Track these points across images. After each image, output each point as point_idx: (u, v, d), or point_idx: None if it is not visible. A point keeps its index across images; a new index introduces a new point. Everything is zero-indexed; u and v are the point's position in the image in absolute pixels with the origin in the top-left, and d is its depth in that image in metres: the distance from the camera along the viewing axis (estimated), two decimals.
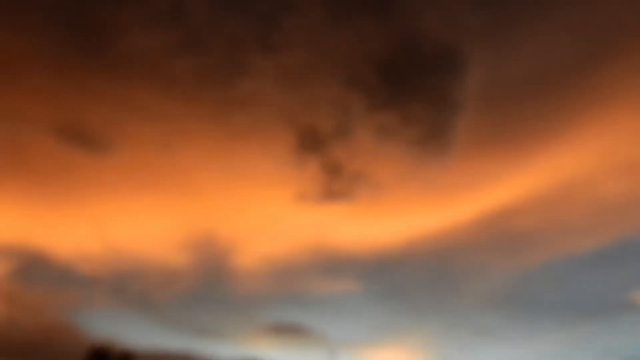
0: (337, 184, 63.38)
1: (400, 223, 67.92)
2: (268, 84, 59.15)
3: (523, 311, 61.35)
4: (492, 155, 63.28)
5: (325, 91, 59.53)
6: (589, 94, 56.36)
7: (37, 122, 58.87)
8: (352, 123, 61.22)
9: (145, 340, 72.30)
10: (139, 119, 60.88)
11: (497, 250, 68.76)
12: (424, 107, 60.72)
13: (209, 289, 73.14)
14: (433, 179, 64.48)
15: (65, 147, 60.10)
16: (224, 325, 73.59)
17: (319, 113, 61.49)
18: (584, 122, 57.65)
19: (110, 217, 65.22)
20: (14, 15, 54.66)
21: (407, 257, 71.01)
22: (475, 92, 58.33)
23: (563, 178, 60.07)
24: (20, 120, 58.45)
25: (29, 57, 57.03)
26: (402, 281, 74.66)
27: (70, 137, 59.66)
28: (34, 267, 66.37)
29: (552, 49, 56.63)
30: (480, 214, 64.09)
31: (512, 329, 41.38)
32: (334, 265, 73.16)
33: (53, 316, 65.58)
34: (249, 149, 62.90)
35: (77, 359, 36.29)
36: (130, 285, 69.69)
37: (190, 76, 58.54)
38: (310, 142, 61.71)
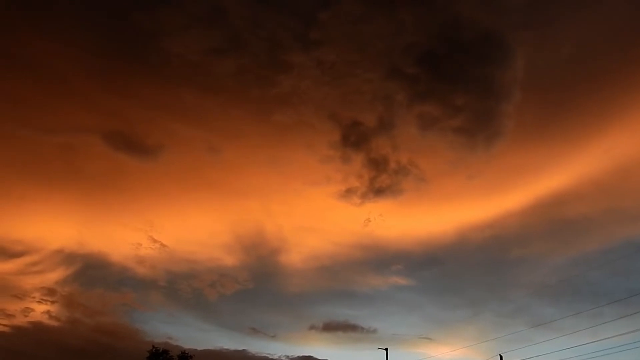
0: (382, 178, 62.78)
1: (448, 214, 66.73)
2: (309, 80, 59.10)
3: (582, 300, 59.36)
4: (542, 142, 61.30)
5: (366, 85, 59.01)
6: None
7: (85, 129, 60.79)
8: (395, 115, 60.47)
9: (201, 340, 74.08)
10: (184, 121, 62.01)
11: (551, 238, 66.60)
12: (468, 96, 59.41)
13: (260, 287, 74.09)
14: (481, 168, 63.02)
15: (115, 153, 61.83)
16: (276, 323, 74.39)
17: (361, 107, 61.03)
18: (636, 104, 55.08)
19: (162, 220, 66.84)
20: (60, 25, 56.50)
21: (458, 249, 69.80)
22: (520, 78, 56.60)
23: (617, 162, 57.54)
24: (70, 128, 60.50)
25: (74, 65, 58.89)
26: (454, 274, 73.48)
27: (119, 142, 61.33)
28: (93, 270, 68.88)
29: (598, 27, 54.32)
30: (532, 202, 62.21)
31: (571, 320, 39.78)
32: (383, 260, 72.71)
33: (112, 318, 67.92)
34: (294, 146, 63.09)
35: (136, 359, 37.33)
36: (184, 286, 71.42)
37: (233, 77, 59.09)
38: (354, 137, 61.31)
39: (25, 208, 61.75)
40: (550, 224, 64.68)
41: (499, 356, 36.10)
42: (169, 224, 67.44)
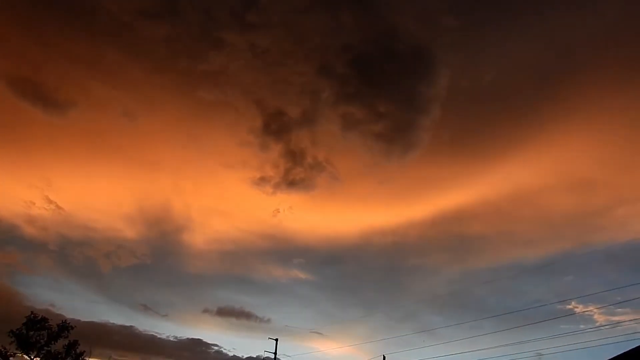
0: (297, 171, 63.15)
1: (356, 216, 68.47)
2: (239, 62, 58.03)
3: (466, 312, 63.28)
4: (452, 158, 64.44)
5: (296, 76, 58.91)
6: (551, 106, 58.01)
7: None
8: (320, 112, 60.94)
9: (86, 311, 70.64)
10: (101, 80, 58.55)
11: (447, 251, 70.46)
12: (392, 104, 61.13)
13: (157, 264, 71.90)
14: (393, 176, 65.19)
15: (19, 101, 57.17)
16: (169, 303, 72.62)
17: (287, 97, 60.86)
18: (542, 136, 59.33)
19: (61, 180, 62.83)
20: None
21: (360, 250, 71.87)
22: (442, 96, 59.08)
23: (515, 188, 61.89)
24: None
25: None
26: (353, 274, 75.59)
27: (26, 90, 56.74)
28: None
29: (520, 56, 57.76)
30: (435, 215, 65.34)
31: (454, 329, 42.47)
32: (287, 252, 73.28)
33: None
34: (214, 126, 61.75)
35: (13, 324, 34.87)
36: (77, 253, 67.71)
37: (162, 43, 56.64)
38: (276, 126, 61.10)
39: None
40: (448, 237, 68.41)
41: (382, 357, 37.62)
42: (68, 186, 63.61)
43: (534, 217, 64.00)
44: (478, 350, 35.30)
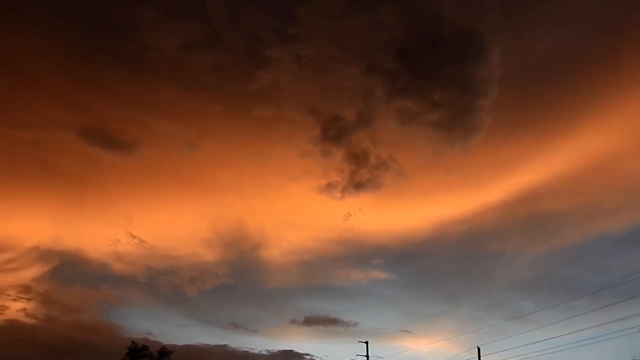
0: (362, 172, 63.10)
1: (427, 209, 67.41)
2: (288, 75, 58.98)
3: (556, 294, 60.49)
4: (518, 137, 62.26)
5: (345, 80, 59.12)
6: (612, 71, 54.99)
7: (59, 124, 59.73)
8: (374, 110, 60.75)
9: (181, 335, 73.54)
10: (160, 117, 61.36)
11: (527, 233, 67.77)
12: (446, 92, 59.94)
13: (240, 282, 73.89)
14: (458, 163, 63.73)
15: (90, 148, 60.89)
16: (257, 318, 74.28)
17: (340, 102, 61.16)
18: (608, 101, 56.19)
19: (140, 216, 66.14)
20: (32, 20, 55.39)
21: (436, 243, 70.55)
22: (497, 75, 57.34)
23: (590, 158, 58.75)
24: (43, 123, 59.40)
25: (47, 60, 57.78)
26: (432, 268, 74.29)
27: (94, 138, 60.40)
28: (70, 267, 67.82)
29: (572, 25, 55.39)
30: (508, 197, 63.19)
31: (546, 312, 40.66)
32: (363, 254, 73.10)
33: (90, 315, 67.05)
34: (273, 141, 62.94)
35: (116, 356, 36.95)
36: (164, 282, 70.84)
37: (210, 72, 58.64)
38: (334, 132, 61.44)
39: None
40: (526, 218, 65.88)
41: (476, 348, 36.66)
42: (147, 220, 66.81)
43: (614, 186, 60.51)
44: (575, 332, 33.73)
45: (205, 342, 61.76)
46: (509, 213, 65.27)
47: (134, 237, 64.39)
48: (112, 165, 63.02)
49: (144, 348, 35.79)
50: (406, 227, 68.13)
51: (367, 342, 43.71)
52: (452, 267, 72.60)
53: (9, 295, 60.48)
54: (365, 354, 43.32)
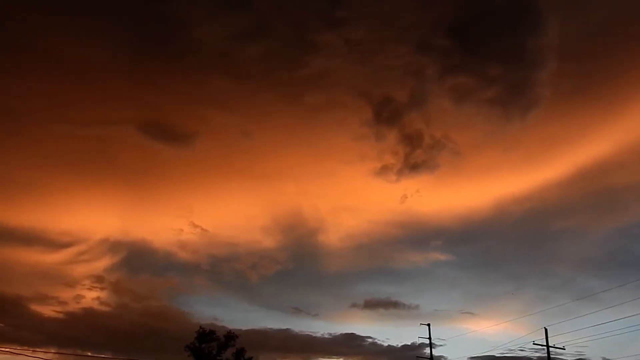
0: (417, 153, 62.23)
1: (486, 188, 65.74)
2: (337, 60, 58.68)
3: (627, 272, 57.80)
4: (580, 109, 59.44)
5: (396, 60, 58.20)
6: None
7: (120, 121, 62.16)
8: (427, 89, 59.58)
9: (245, 320, 75.78)
10: (215, 108, 62.66)
11: (594, 209, 64.88)
12: (501, 65, 57.91)
13: (300, 267, 75.04)
14: (517, 140, 61.66)
15: (150, 143, 63.10)
16: (318, 303, 75.32)
17: (392, 83, 60.36)
18: None
19: (201, 205, 68.17)
20: (88, 21, 57.61)
21: (496, 222, 68.80)
22: (555, 45, 54.78)
23: None
24: (105, 121, 61.96)
25: (105, 59, 59.96)
26: (493, 248, 72.58)
27: (153, 132, 62.52)
28: (138, 257, 71.07)
29: None
30: (572, 172, 60.58)
31: (616, 291, 38.84)
32: (422, 236, 72.38)
33: (159, 302, 70.12)
34: (326, 126, 63.02)
35: (185, 340, 38.55)
36: (226, 269, 72.99)
37: (261, 61, 59.20)
38: (387, 113, 60.80)
39: (69, 200, 64.00)
40: (592, 194, 63.04)
41: (543, 329, 35.57)
42: (208, 209, 68.79)
43: None
44: None
45: (269, 327, 63.35)
46: (573, 189, 62.71)
47: (196, 226, 66.56)
48: (172, 158, 65.18)
49: (212, 332, 37.08)
50: (465, 207, 66.78)
51: (429, 325, 43.39)
52: (515, 247, 70.75)
53: (84, 285, 64.14)
54: (428, 337, 43.06)
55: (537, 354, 40.20)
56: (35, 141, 62.86)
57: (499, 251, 71.35)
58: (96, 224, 66.31)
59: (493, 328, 55.11)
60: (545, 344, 34.23)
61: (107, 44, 59.41)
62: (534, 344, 34.29)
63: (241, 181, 66.80)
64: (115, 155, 65.56)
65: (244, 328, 52.21)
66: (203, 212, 68.09)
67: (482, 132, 62.07)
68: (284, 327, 65.00)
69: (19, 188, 64.17)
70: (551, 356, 34.32)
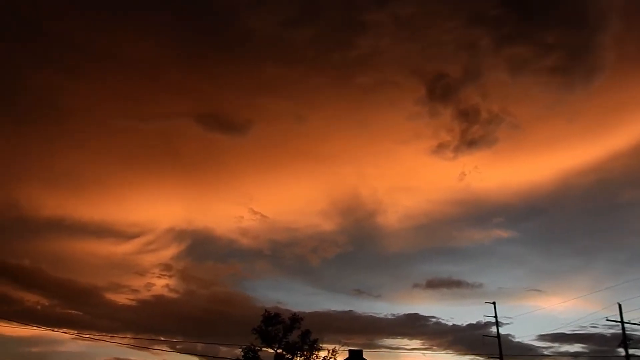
0: (474, 129, 60.69)
1: (548, 161, 63.29)
2: (387, 38, 57.91)
3: None
4: None
5: (447, 34, 56.77)
6: None
7: (179, 114, 64.13)
8: (482, 62, 57.84)
9: (308, 303, 77.10)
10: (268, 95, 63.43)
11: None
12: (560, 30, 55.35)
13: (360, 250, 75.34)
14: (581, 109, 58.97)
15: (208, 133, 64.80)
16: (379, 284, 75.49)
17: (444, 58, 58.98)
18: None
19: (260, 192, 69.52)
20: (143, 20, 59.41)
21: (561, 196, 66.16)
22: (617, 4, 51.78)
23: None
24: (165, 114, 64.08)
25: (161, 56, 61.92)
26: (559, 223, 69.91)
27: (210, 123, 64.16)
28: (202, 245, 73.54)
29: None
30: None
31: None
32: (483, 213, 70.80)
33: (224, 287, 72.41)
34: (379, 107, 62.52)
35: (251, 324, 39.64)
36: (287, 254, 74.32)
37: (311, 45, 59.28)
38: (440, 90, 59.54)
39: (135, 193, 66.90)
40: None
41: (617, 305, 34.08)
42: (266, 196, 70.09)
43: None
44: None
45: (332, 309, 64.06)
46: None
47: (255, 213, 67.97)
48: (229, 147, 66.72)
49: (277, 316, 37.88)
50: (527, 182, 64.62)
51: (494, 303, 42.49)
52: (582, 220, 67.92)
53: (153, 273, 67.11)
54: (494, 315, 42.26)
55: (611, 331, 38.67)
56: (99, 138, 66.02)
57: (565, 226, 68.76)
58: (161, 215, 69.12)
59: (562, 305, 53.44)
60: (619, 320, 32.85)
61: (161, 40, 61.26)
62: (607, 320, 32.96)
63: (298, 166, 67.58)
64: (176, 147, 67.89)
65: (307, 311, 53.14)
66: (262, 198, 69.51)
67: (542, 103, 59.80)
68: (346, 309, 65.60)
69: (88, 184, 67.74)
70: (626, 332, 32.95)
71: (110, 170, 66.60)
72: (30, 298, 60.38)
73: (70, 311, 61.59)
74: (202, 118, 63.89)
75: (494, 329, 41.98)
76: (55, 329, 52.26)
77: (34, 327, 45.37)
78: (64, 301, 62.64)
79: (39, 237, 65.98)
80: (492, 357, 40.28)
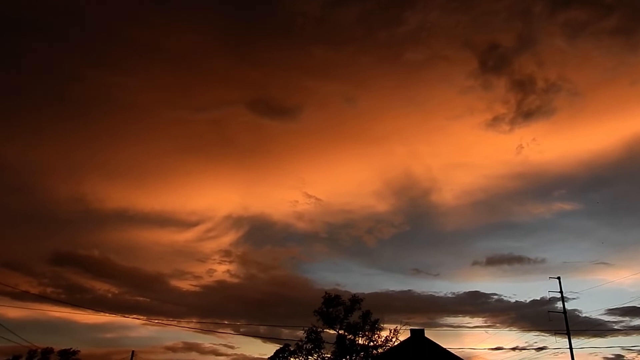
0: (531, 99, 58.51)
1: (612, 128, 60.18)
2: (436, 11, 56.54)
3: None
4: None
5: (498, 2, 54.78)
6: None
7: (230, 102, 65.26)
8: (536, 29, 55.46)
9: (366, 284, 77.53)
10: (316, 78, 63.42)
11: None
12: None
13: (416, 229, 74.84)
14: None
15: (259, 119, 65.69)
16: (438, 262, 74.84)
17: (496, 28, 57.01)
18: None
19: (313, 176, 70.06)
20: (189, 12, 60.38)
21: (628, 165, 62.94)
22: None
23: None
24: (217, 103, 65.36)
25: (209, 46, 62.98)
26: (626, 192, 66.73)
27: (261, 109, 65.01)
28: (259, 230, 75.14)
29: None
30: None
31: None
32: (543, 186, 68.55)
33: (283, 271, 73.84)
34: (430, 83, 61.38)
35: (310, 306, 40.21)
36: (343, 236, 74.75)
37: (357, 24, 58.64)
38: (493, 61, 57.67)
39: (193, 182, 68.92)
40: None
41: None
42: (320, 179, 70.56)
43: None
44: None
45: (390, 289, 64.21)
46: None
47: (309, 196, 68.61)
48: (281, 132, 67.41)
49: (337, 297, 38.23)
50: (589, 152, 61.89)
51: (559, 278, 41.17)
52: None
53: (214, 259, 69.25)
54: (559, 290, 40.98)
55: None
56: (155, 130, 68.27)
57: (633, 195, 65.48)
58: (219, 202, 71.00)
59: (632, 278, 51.35)
60: None
61: (207, 30, 62.27)
62: None
63: (349, 148, 67.55)
64: (229, 135, 69.28)
65: (365, 292, 53.48)
66: (315, 182, 70.03)
67: (603, 68, 56.86)
68: (405, 288, 65.57)
69: (147, 175, 70.35)
70: None
71: (168, 160, 68.89)
72: (101, 287, 63.93)
73: (138, 298, 64.78)
74: (253, 105, 64.82)
75: (559, 304, 40.79)
76: (126, 315, 55.26)
77: (107, 314, 48.05)
78: (132, 288, 65.92)
79: (105, 228, 69.47)
80: (558, 333, 39.24)
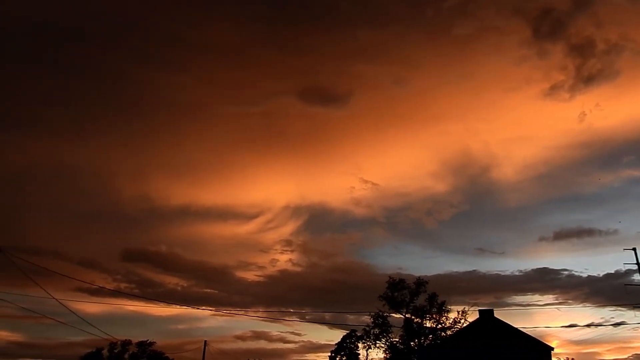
0: (591, 63, 55.69)
1: None
2: None
3: None
4: None
5: None
6: None
7: (280, 93, 65.79)
8: None
9: (429, 266, 76.82)
10: (363, 62, 62.85)
11: None
12: None
13: (477, 207, 73.36)
14: None
15: (310, 109, 65.97)
16: (502, 240, 73.18)
17: None
18: None
19: (368, 161, 69.93)
20: (235, 9, 61.00)
21: None
22: None
23: None
24: (268, 95, 66.12)
25: (254, 39, 63.56)
26: None
27: (311, 98, 65.25)
28: (318, 218, 75.96)
29: None
30: None
31: None
32: (610, 154, 65.55)
33: (344, 257, 74.34)
34: (480, 57, 59.61)
35: (373, 291, 40.24)
36: (402, 219, 74.28)
37: (401, 2, 57.56)
38: (547, 27, 55.19)
39: (250, 175, 70.35)
40: None
41: None
42: (375, 164, 70.32)
43: None
44: None
45: (454, 270, 63.48)
46: None
47: (366, 182, 68.57)
48: (332, 119, 67.47)
49: (402, 281, 38.13)
50: None
51: (634, 249, 39.31)
52: None
53: (276, 249, 70.67)
54: (635, 262, 39.11)
55: None
56: (212, 126, 69.93)
57: None
58: (277, 193, 72.17)
59: None
60: None
61: (256, 24, 62.85)
62: None
63: (402, 130, 66.82)
64: (282, 126, 70.05)
65: (428, 274, 52.92)
66: (370, 167, 69.87)
67: None
68: (469, 269, 64.68)
69: (207, 171, 72.33)
70: None
71: (225, 156, 70.50)
72: (171, 280, 66.68)
73: (206, 290, 67.11)
74: (303, 94, 65.18)
75: (636, 276, 39.01)
76: (197, 307, 57.50)
77: (179, 306, 50.12)
78: (200, 281, 68.42)
79: (170, 224, 72.19)
80: (637, 307, 37.55)
